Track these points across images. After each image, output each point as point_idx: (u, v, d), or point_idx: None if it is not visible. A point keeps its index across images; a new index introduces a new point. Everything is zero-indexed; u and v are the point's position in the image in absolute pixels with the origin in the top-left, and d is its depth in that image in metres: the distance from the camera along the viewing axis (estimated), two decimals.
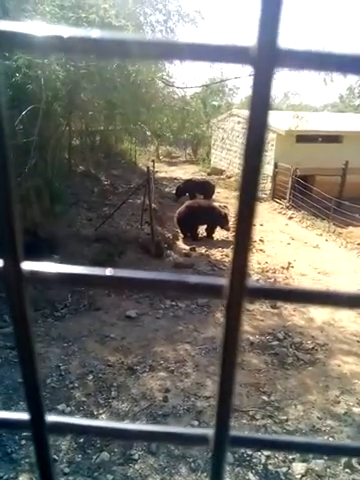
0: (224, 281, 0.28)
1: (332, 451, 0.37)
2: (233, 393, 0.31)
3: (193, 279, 0.29)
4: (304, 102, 32.93)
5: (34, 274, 0.28)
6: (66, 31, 0.22)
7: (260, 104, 0.23)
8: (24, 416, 0.34)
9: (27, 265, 0.28)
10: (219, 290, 0.28)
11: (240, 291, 0.28)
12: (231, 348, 0.29)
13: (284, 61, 0.22)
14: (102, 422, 0.36)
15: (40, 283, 0.29)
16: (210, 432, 0.34)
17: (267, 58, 0.22)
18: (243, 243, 0.27)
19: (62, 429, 0.35)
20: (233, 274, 0.28)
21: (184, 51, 0.23)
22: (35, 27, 0.23)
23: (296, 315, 6.46)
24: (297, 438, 0.36)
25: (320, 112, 26.87)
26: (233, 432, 0.33)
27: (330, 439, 3.99)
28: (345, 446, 0.36)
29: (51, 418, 0.35)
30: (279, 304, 6.71)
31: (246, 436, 0.35)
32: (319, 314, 6.47)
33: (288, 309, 6.63)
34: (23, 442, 3.83)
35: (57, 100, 8.21)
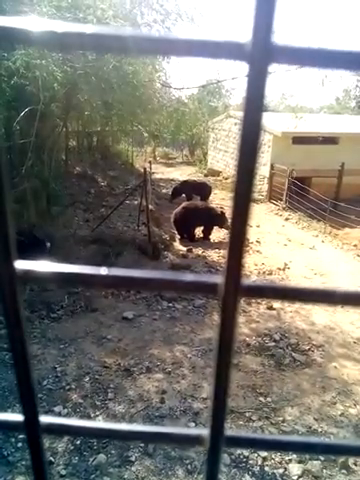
0: (219, 279, 0.28)
1: (328, 450, 0.37)
2: (228, 391, 0.31)
3: (188, 277, 0.28)
4: (300, 104, 33.06)
5: (28, 273, 0.28)
6: (61, 26, 0.22)
7: (255, 100, 0.22)
8: (18, 417, 0.34)
9: (20, 264, 0.28)
10: (214, 288, 0.28)
11: (235, 289, 0.28)
12: (226, 346, 0.29)
13: (279, 57, 0.22)
14: (97, 423, 0.36)
15: (34, 283, 0.29)
16: (205, 432, 0.34)
17: (262, 54, 0.22)
18: (238, 240, 0.27)
19: (57, 430, 0.35)
20: (228, 271, 0.27)
21: (179, 46, 0.22)
22: (31, 22, 0.22)
23: (294, 317, 6.47)
24: (293, 437, 0.35)
25: (316, 114, 26.98)
26: (228, 432, 0.33)
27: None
28: (341, 445, 0.36)
29: (45, 419, 0.34)
30: (276, 306, 6.72)
31: (241, 436, 0.34)
32: (318, 317, 6.48)
33: (286, 310, 6.64)
34: (19, 445, 3.81)
35: (54, 101, 8.20)
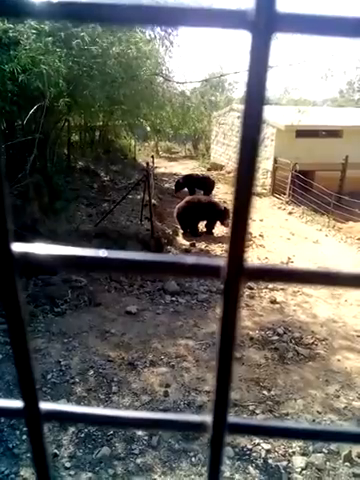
0: (222, 261, 0.28)
1: (333, 438, 0.36)
2: (232, 374, 0.30)
3: (190, 260, 0.28)
4: (304, 97, 32.83)
5: (25, 256, 0.27)
6: None
7: (258, 71, 0.22)
8: (18, 404, 0.33)
9: (17, 246, 0.27)
10: (217, 270, 0.27)
11: (238, 271, 0.27)
12: (229, 331, 0.29)
13: (283, 25, 0.21)
14: (98, 409, 0.35)
15: (31, 263, 0.28)
16: (208, 419, 0.33)
17: (265, 22, 0.21)
18: (241, 221, 0.26)
19: (57, 417, 0.34)
20: (231, 254, 0.27)
21: (178, 15, 0.21)
22: None
23: (297, 310, 6.46)
24: (297, 425, 0.35)
25: (320, 107, 26.77)
26: (231, 418, 0.33)
27: None
28: (345, 432, 0.35)
29: (45, 406, 0.34)
30: (279, 299, 6.72)
31: (245, 422, 0.34)
32: (320, 310, 6.47)
33: (289, 304, 6.63)
34: (24, 437, 3.84)
35: (61, 97, 8.15)
